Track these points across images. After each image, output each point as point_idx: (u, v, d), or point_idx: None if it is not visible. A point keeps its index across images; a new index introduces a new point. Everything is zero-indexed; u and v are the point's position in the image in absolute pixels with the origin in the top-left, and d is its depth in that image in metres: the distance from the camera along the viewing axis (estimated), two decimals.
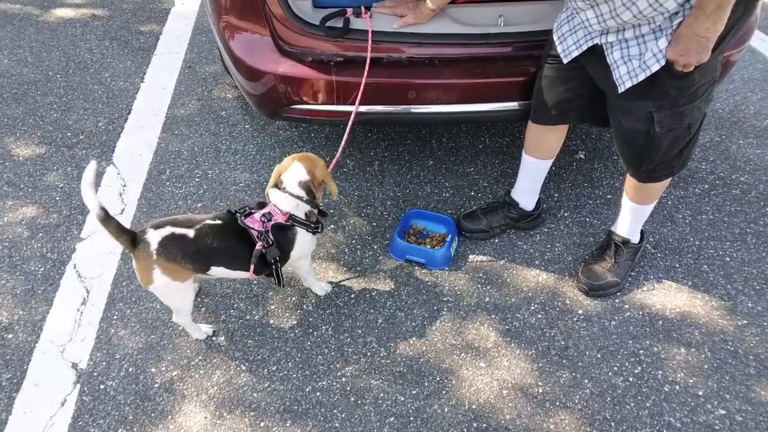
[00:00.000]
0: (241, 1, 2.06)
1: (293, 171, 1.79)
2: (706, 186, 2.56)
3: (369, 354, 1.91)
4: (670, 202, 2.47)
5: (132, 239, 1.63)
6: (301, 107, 2.11)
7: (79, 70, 3.31)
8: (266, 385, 1.83)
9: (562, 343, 1.95)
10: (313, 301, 2.07)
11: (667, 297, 2.09)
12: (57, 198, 2.48)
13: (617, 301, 2.08)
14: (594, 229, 2.36)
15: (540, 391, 1.82)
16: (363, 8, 2.04)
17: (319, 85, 2.03)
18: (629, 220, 2.08)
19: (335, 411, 1.76)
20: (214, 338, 1.95)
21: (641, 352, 1.92)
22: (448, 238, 2.22)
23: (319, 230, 1.85)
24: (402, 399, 1.79)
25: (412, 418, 1.74)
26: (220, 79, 3.22)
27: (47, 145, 2.77)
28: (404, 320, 2.01)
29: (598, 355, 1.91)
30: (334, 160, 2.06)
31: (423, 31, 2.03)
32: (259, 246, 1.71)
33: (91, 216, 2.39)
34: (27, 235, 2.32)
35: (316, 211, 1.84)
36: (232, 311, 2.04)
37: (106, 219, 1.58)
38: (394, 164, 2.68)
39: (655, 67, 1.56)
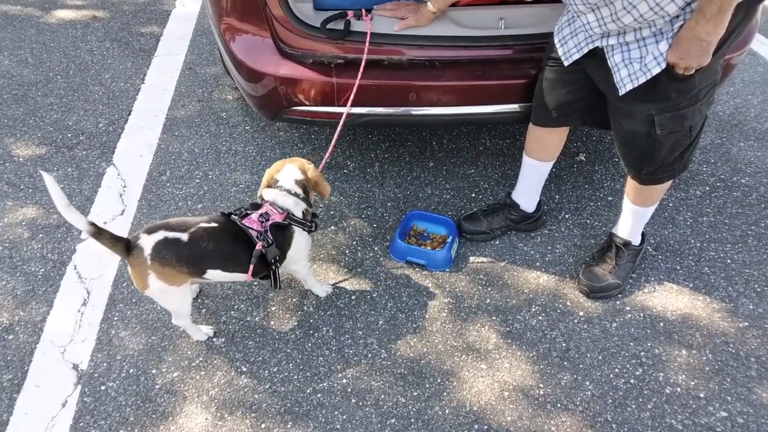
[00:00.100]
0: (242, 3, 2.07)
1: (288, 171, 1.83)
2: (707, 188, 2.57)
3: (370, 355, 1.91)
4: (671, 204, 2.48)
5: (126, 246, 1.61)
6: (301, 109, 2.11)
7: (79, 72, 3.31)
8: (267, 387, 1.83)
9: (563, 344, 1.95)
10: (314, 302, 2.07)
11: (668, 299, 2.09)
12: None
13: (618, 303, 2.08)
14: (595, 231, 2.36)
15: (541, 392, 1.82)
16: (364, 11, 2.05)
17: (319, 87, 2.03)
18: (630, 222, 2.08)
19: (336, 412, 1.76)
20: (214, 339, 1.95)
21: (642, 354, 1.92)
22: (449, 240, 2.22)
23: (314, 229, 1.86)
24: (403, 401, 1.79)
25: (413, 420, 1.74)
26: (221, 81, 3.22)
27: (47, 145, 2.77)
28: (405, 322, 2.01)
29: (600, 357, 1.91)
30: (323, 162, 2.07)
31: (424, 33, 2.03)
32: (259, 246, 1.71)
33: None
34: (27, 236, 2.32)
35: (310, 210, 1.87)
36: (232, 313, 2.04)
37: (98, 232, 1.56)
38: (395, 166, 2.69)
39: (656, 70, 1.56)
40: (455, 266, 2.21)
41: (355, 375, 1.86)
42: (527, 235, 2.34)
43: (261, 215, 1.74)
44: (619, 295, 2.10)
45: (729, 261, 2.23)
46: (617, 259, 2.10)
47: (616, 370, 1.88)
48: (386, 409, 1.77)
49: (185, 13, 3.94)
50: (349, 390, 1.82)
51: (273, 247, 1.74)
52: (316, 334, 1.97)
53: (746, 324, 2.01)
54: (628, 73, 1.62)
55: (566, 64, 1.81)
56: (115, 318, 2.02)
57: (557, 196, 2.52)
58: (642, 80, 1.60)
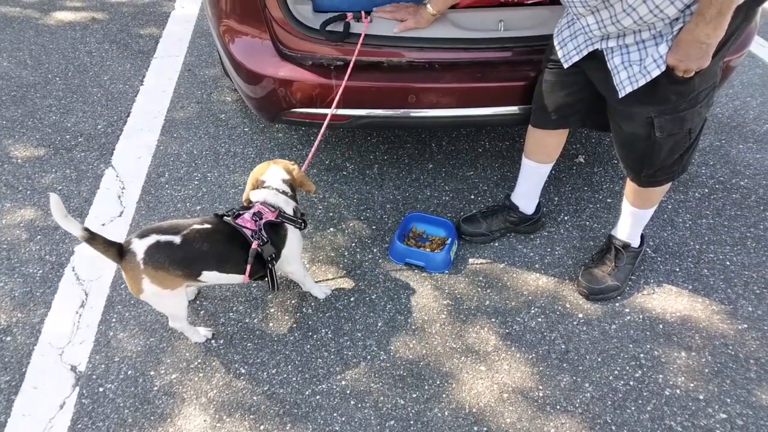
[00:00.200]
0: (241, 5, 2.07)
1: (274, 171, 1.85)
2: (706, 190, 2.57)
3: (369, 357, 1.91)
4: (670, 206, 2.48)
5: (118, 251, 1.61)
6: (300, 111, 2.11)
7: (78, 73, 3.31)
8: (266, 389, 1.82)
9: (563, 346, 1.95)
10: (313, 304, 2.07)
11: (667, 301, 2.09)
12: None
13: (617, 305, 2.08)
14: (594, 233, 2.36)
15: (540, 394, 1.82)
16: (363, 12, 2.05)
17: (319, 89, 2.03)
18: (629, 224, 2.08)
19: (335, 414, 1.76)
20: (213, 341, 1.95)
21: (642, 356, 1.92)
22: (448, 242, 2.22)
23: (305, 227, 1.88)
24: (402, 402, 1.79)
25: (412, 422, 1.74)
26: (220, 83, 3.22)
27: (46, 147, 2.77)
28: (404, 324, 2.01)
29: (599, 359, 1.91)
30: (306, 162, 2.08)
31: (423, 35, 2.03)
32: (254, 245, 1.71)
33: (88, 220, 2.39)
34: (25, 238, 2.31)
35: (299, 208, 1.90)
36: (231, 314, 2.03)
37: (92, 238, 1.56)
38: (394, 167, 2.69)
39: (656, 73, 1.56)
40: (454, 268, 2.21)
41: (354, 377, 1.85)
42: (526, 237, 2.34)
43: (254, 214, 1.74)
44: (619, 297, 2.10)
45: (728, 263, 2.23)
46: (616, 261, 2.10)
47: (616, 371, 1.88)
48: (385, 411, 1.77)
49: (184, 15, 3.94)
50: (348, 392, 1.81)
51: (268, 246, 1.74)
52: (315, 336, 1.97)
53: (745, 326, 2.01)
54: (628, 76, 1.62)
55: (566, 66, 1.81)
56: (114, 319, 2.01)
57: (556, 198, 2.52)
58: (641, 83, 1.60)
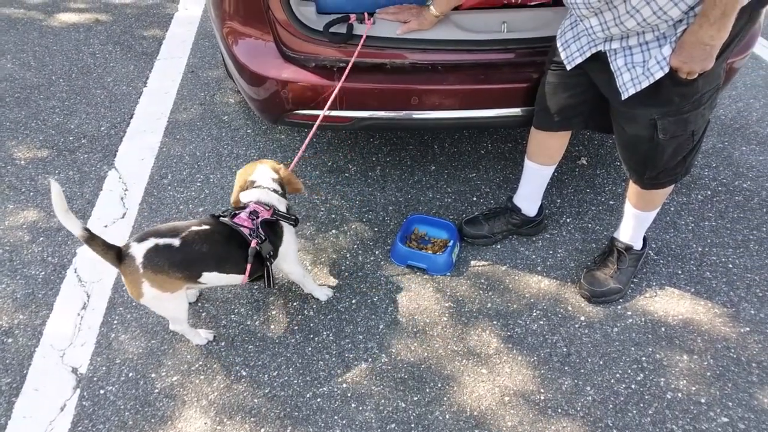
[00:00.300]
0: (244, 6, 2.07)
1: (263, 170, 1.87)
2: (709, 192, 2.56)
3: (370, 360, 1.90)
4: (672, 209, 2.47)
5: (117, 254, 1.60)
6: (303, 112, 2.11)
7: (81, 75, 3.31)
8: (267, 391, 1.82)
9: (564, 349, 1.94)
10: (314, 306, 2.07)
11: (669, 304, 2.08)
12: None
13: (620, 307, 2.07)
14: (596, 236, 2.35)
15: (542, 398, 1.81)
16: (366, 14, 2.05)
17: (322, 91, 2.03)
18: (632, 226, 2.07)
19: (336, 417, 1.75)
20: (214, 344, 1.95)
21: (644, 359, 1.91)
22: (450, 244, 2.21)
23: (297, 224, 1.89)
24: (403, 405, 1.78)
25: (413, 425, 1.73)
26: (223, 84, 3.22)
27: (49, 149, 2.77)
28: (406, 326, 2.01)
29: (601, 362, 1.90)
30: (294, 162, 2.09)
31: (426, 37, 2.03)
32: (253, 243, 1.71)
33: (91, 221, 2.39)
34: (28, 239, 2.32)
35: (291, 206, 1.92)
36: (232, 316, 2.03)
37: (91, 238, 1.56)
38: (396, 169, 2.68)
39: (659, 75, 1.56)
40: (456, 270, 2.21)
41: (355, 379, 1.85)
42: (528, 240, 2.33)
43: (250, 213, 1.74)
44: (621, 300, 2.09)
45: (730, 266, 2.22)
46: (619, 263, 2.09)
47: (618, 375, 1.87)
48: (386, 414, 1.76)
49: (188, 17, 3.94)
50: (349, 394, 1.81)
51: (266, 243, 1.75)
52: (317, 339, 1.97)
53: (748, 329, 2.00)
54: (631, 77, 1.62)
55: (569, 68, 1.80)
56: (115, 321, 2.01)
57: (559, 200, 2.52)
58: (645, 84, 1.60)
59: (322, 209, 2.46)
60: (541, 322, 2.02)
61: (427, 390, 1.83)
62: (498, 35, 2.05)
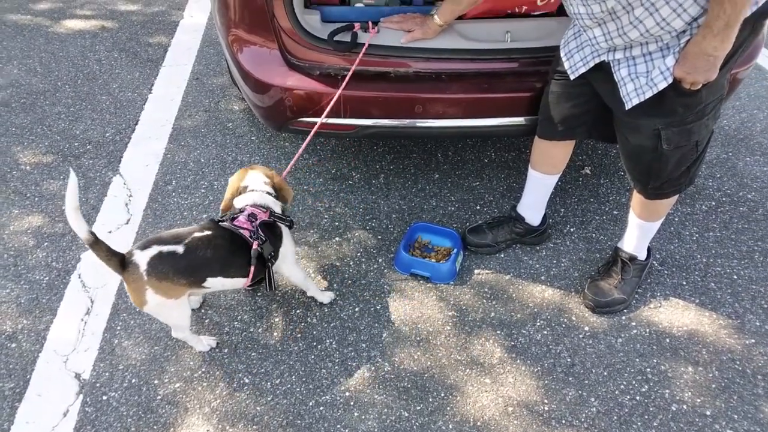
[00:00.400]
0: (249, 15, 2.08)
1: (255, 176, 1.88)
2: (713, 203, 2.56)
3: (373, 368, 1.90)
4: (677, 219, 2.46)
5: (120, 262, 1.60)
6: (307, 120, 2.12)
7: (87, 81, 3.33)
8: (269, 399, 1.82)
9: (568, 360, 1.93)
10: (317, 314, 2.07)
11: (674, 315, 2.08)
12: (63, 207, 2.48)
13: (624, 318, 2.06)
14: (600, 245, 2.35)
15: (546, 408, 1.80)
16: (371, 23, 2.06)
17: (326, 99, 2.04)
18: (636, 236, 2.07)
19: (338, 426, 1.75)
20: (217, 350, 1.95)
21: (648, 370, 1.90)
22: (454, 252, 2.21)
23: (292, 225, 1.90)
24: (406, 415, 1.78)
25: None
26: (227, 91, 3.24)
27: (54, 154, 2.78)
28: (409, 335, 2.00)
29: (605, 373, 1.89)
30: (287, 169, 2.10)
31: (430, 46, 2.04)
32: (255, 245, 1.72)
33: (95, 227, 2.40)
34: (32, 244, 2.32)
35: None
36: (235, 323, 2.03)
37: (96, 243, 1.55)
38: (400, 177, 2.69)
39: (663, 85, 1.56)
40: (460, 279, 2.20)
41: (357, 388, 1.84)
42: (532, 249, 2.33)
43: (249, 216, 1.75)
44: (625, 311, 2.09)
45: (735, 277, 2.21)
46: (623, 273, 2.09)
47: (622, 386, 1.86)
48: (389, 423, 1.75)
49: (193, 24, 3.97)
50: (351, 403, 1.81)
51: (267, 244, 1.76)
52: (320, 346, 1.96)
53: (753, 341, 1.99)
54: (635, 88, 1.62)
55: (572, 77, 1.81)
56: (118, 327, 2.01)
57: (562, 210, 2.52)
58: (648, 95, 1.60)
59: (326, 217, 2.46)
60: (545, 332, 2.02)
61: (430, 399, 1.82)
62: (502, 45, 2.06)
